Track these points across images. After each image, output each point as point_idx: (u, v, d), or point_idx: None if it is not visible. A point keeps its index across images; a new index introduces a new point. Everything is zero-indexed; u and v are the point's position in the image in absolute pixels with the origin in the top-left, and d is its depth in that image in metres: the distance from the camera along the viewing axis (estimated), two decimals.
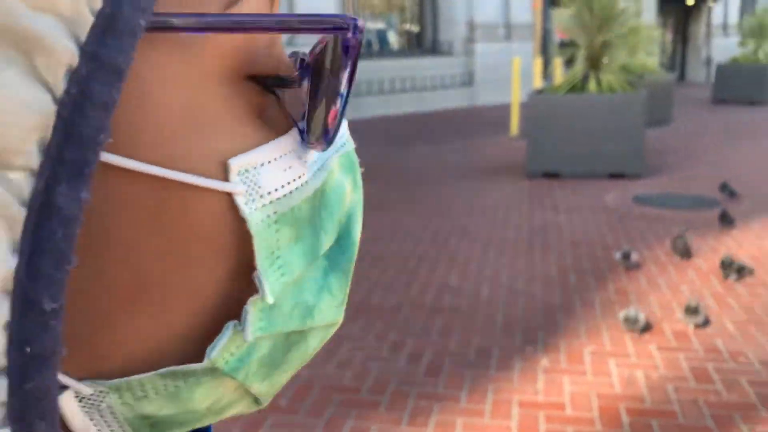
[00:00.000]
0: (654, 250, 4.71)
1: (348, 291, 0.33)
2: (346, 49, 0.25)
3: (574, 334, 3.40)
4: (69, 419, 0.26)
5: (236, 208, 0.25)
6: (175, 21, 0.22)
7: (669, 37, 22.85)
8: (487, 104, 15.08)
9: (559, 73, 11.32)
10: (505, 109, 12.53)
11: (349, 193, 0.33)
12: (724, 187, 6.18)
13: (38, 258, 0.18)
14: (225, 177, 0.25)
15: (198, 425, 0.30)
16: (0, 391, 0.18)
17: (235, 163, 0.25)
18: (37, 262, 0.18)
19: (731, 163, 7.89)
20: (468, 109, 14.66)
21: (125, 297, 0.24)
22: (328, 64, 0.26)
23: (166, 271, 0.25)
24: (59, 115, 0.18)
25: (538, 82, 12.13)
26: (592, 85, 7.65)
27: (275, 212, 0.27)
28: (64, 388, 0.25)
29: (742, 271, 3.97)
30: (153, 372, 0.26)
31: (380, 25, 14.93)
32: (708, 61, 21.91)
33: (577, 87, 7.73)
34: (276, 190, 0.27)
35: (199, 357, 0.27)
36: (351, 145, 0.35)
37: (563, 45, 10.17)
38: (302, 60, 0.28)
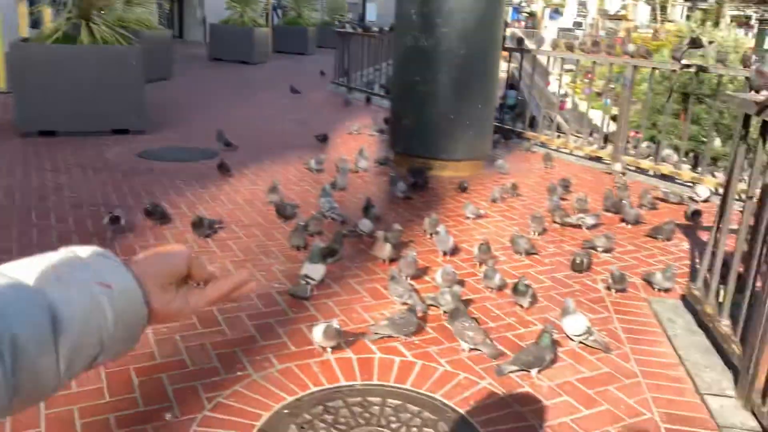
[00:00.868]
0: (163, 203, 4.71)
1: None
2: None
3: None
4: None
5: None
6: None
7: None
8: None
9: (48, 21, 10.18)
10: None
11: None
12: (220, 137, 6.60)
13: None
14: None
15: None
16: None
17: None
18: None
19: (226, 117, 8.49)
20: None
21: None
22: None
23: None
24: None
25: (24, 31, 10.68)
26: (84, 36, 7.09)
27: None
28: None
29: (213, 226, 4.23)
30: None
31: None
32: (204, 21, 23.03)
33: (70, 39, 7.05)
34: None
35: None
36: None
37: None
38: None
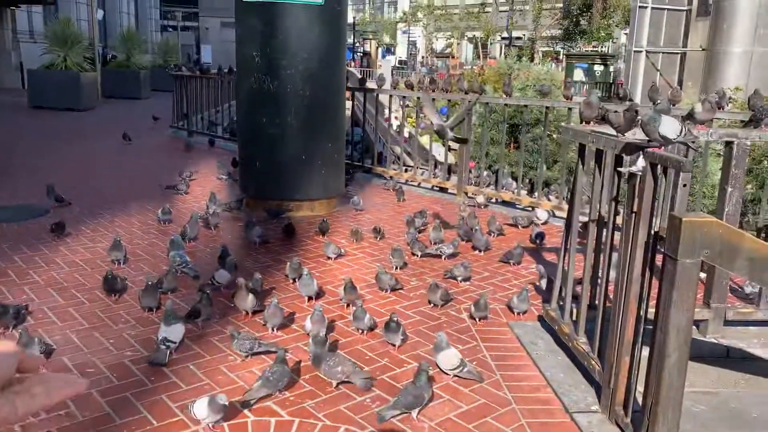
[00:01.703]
0: None
1: None
2: None
3: None
4: None
5: None
6: None
7: None
8: None
9: None
10: None
11: None
12: (50, 192, 6.01)
13: None
14: None
15: None
16: None
17: None
18: None
19: (54, 168, 7.79)
20: None
21: None
22: None
23: None
24: None
25: None
26: None
27: None
28: None
29: (20, 313, 3.43)
30: None
31: None
32: (20, 67, 21.20)
33: None
34: None
35: None
36: None
37: None
38: None
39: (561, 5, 32.54)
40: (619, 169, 2.70)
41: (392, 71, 30.52)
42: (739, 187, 3.41)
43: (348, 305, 3.79)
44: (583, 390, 2.92)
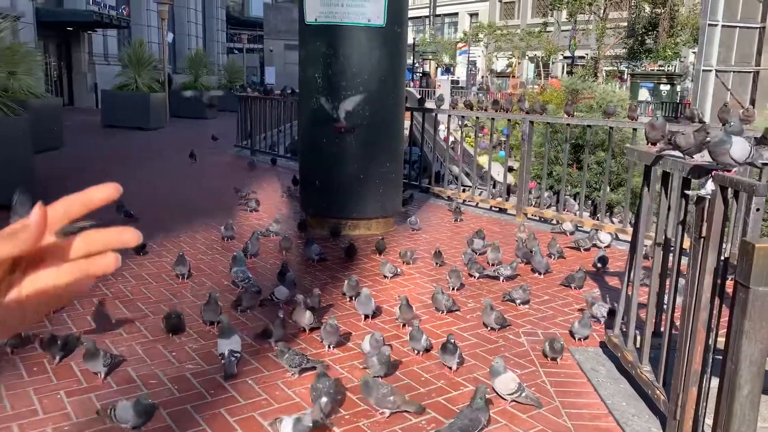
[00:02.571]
0: None
1: None
2: None
3: None
4: None
5: None
6: None
7: (52, 62, 22.19)
8: None
9: None
10: None
11: None
12: (119, 208, 6.25)
13: None
14: None
15: None
16: None
17: None
18: None
19: (124, 186, 8.01)
20: None
21: None
22: None
23: None
24: None
25: None
26: None
27: None
28: None
29: (66, 345, 3.22)
30: None
31: None
32: (95, 88, 22.31)
33: None
34: None
35: None
36: None
37: None
38: None
39: (626, 24, 31.92)
40: (686, 192, 2.61)
41: (451, 90, 30.57)
42: None
43: (404, 325, 3.78)
44: (646, 420, 2.81)
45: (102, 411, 2.71)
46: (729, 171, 2.30)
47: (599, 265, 5.04)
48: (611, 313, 3.78)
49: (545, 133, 7.39)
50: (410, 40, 47.05)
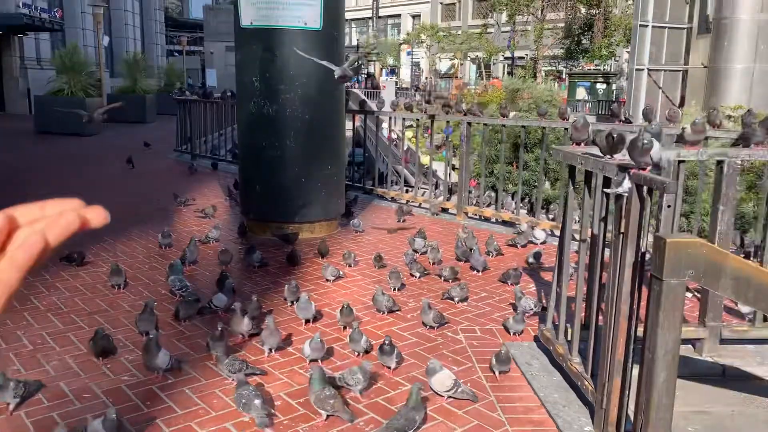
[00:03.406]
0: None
1: None
2: None
3: None
4: None
5: None
6: None
7: None
8: None
9: None
10: None
11: None
12: None
13: None
14: None
15: None
16: None
17: None
18: None
19: (60, 193, 7.84)
20: None
21: None
22: None
23: None
24: None
25: None
26: None
27: None
28: None
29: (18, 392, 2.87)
30: None
31: None
32: (28, 93, 21.50)
33: None
34: None
35: None
36: None
37: None
38: None
39: (563, 25, 32.78)
40: (606, 190, 2.73)
41: (396, 92, 30.79)
42: (731, 206, 3.43)
43: (345, 327, 3.81)
44: (576, 410, 2.92)
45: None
46: (644, 169, 2.42)
47: (533, 261, 5.18)
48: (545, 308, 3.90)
49: (483, 133, 7.54)
50: (354, 41, 47.14)
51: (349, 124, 7.78)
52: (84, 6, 24.35)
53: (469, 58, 39.30)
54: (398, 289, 4.57)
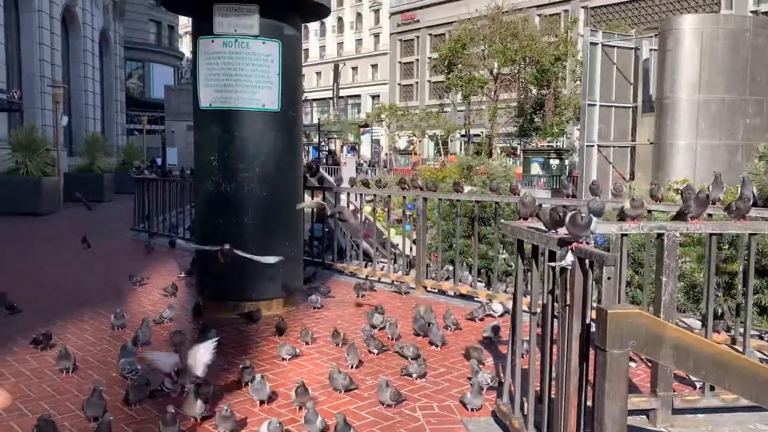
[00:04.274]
0: None
1: None
2: None
3: None
4: None
5: None
6: None
7: None
8: None
9: None
10: None
11: None
12: (2, 300, 5.90)
13: None
14: None
15: None
16: None
17: None
18: None
19: (9, 277, 7.65)
20: None
21: None
22: None
23: None
24: None
25: None
26: None
27: None
28: None
29: None
30: None
31: None
32: None
33: None
34: None
35: None
36: None
37: None
38: None
39: (515, 104, 34.22)
40: (550, 264, 2.82)
41: (356, 168, 31.33)
42: (674, 277, 3.56)
43: (300, 408, 3.74)
44: None
45: None
46: (580, 242, 2.53)
47: (491, 334, 5.21)
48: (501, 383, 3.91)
49: (439, 208, 7.71)
50: (315, 120, 48.15)
51: (311, 200, 7.86)
52: (44, 87, 24.45)
53: (427, 135, 40.43)
54: (356, 367, 4.53)
